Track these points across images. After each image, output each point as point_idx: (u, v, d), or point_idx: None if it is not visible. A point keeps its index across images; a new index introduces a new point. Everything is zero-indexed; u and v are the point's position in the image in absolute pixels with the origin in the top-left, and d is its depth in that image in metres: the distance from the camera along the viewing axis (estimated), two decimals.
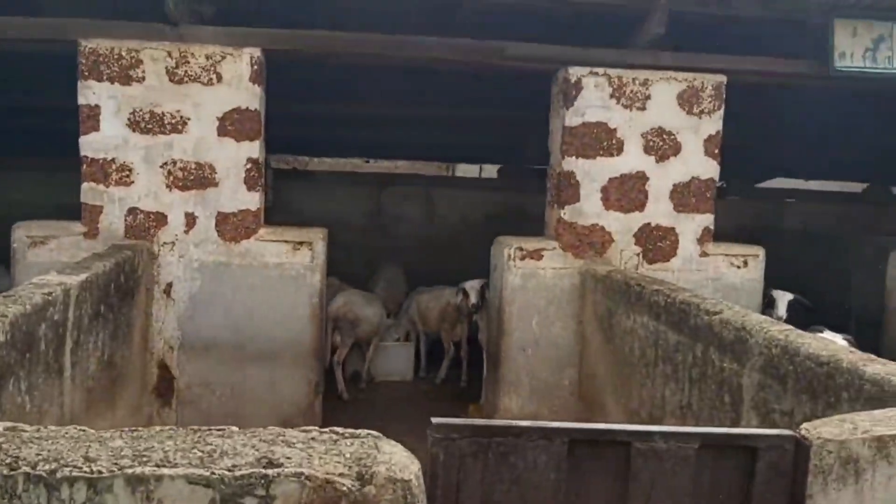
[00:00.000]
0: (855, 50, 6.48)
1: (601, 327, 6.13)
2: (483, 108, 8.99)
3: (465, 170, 14.55)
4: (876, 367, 3.11)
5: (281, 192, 10.76)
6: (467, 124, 9.99)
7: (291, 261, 6.24)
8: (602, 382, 6.11)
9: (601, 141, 6.51)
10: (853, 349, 3.94)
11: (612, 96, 6.50)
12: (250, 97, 6.11)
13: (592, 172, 6.53)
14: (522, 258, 6.52)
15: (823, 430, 2.41)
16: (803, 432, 2.43)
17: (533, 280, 6.53)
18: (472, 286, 7.66)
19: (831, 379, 3.29)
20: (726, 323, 4.18)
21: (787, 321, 6.99)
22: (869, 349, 7.08)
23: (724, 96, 6.60)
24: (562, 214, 6.59)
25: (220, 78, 6.07)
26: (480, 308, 7.69)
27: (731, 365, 4.09)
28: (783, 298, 7.07)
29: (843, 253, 9.39)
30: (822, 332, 5.99)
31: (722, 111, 6.62)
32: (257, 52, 6.09)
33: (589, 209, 6.57)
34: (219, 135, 6.10)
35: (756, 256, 6.77)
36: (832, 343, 3.76)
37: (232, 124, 6.10)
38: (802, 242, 10.44)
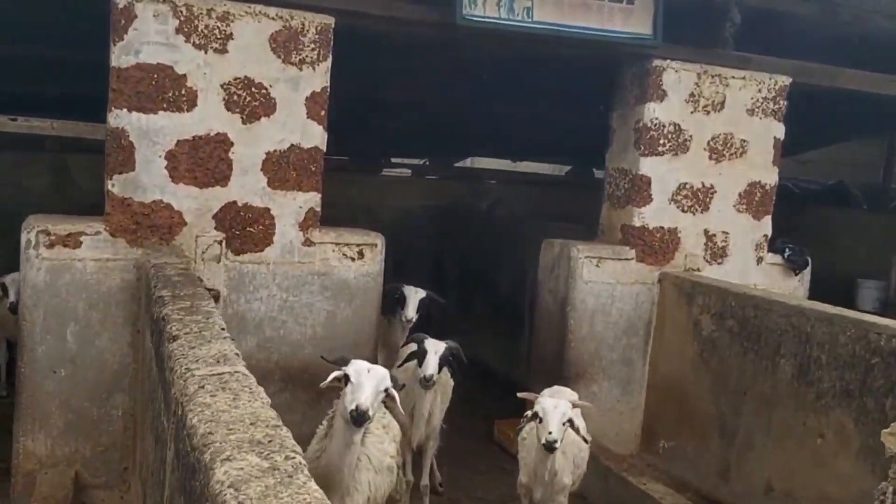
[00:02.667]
0: None
1: (143, 342, 4.54)
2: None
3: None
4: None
5: None
6: None
7: None
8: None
9: (165, 91, 4.88)
10: None
11: (178, 31, 4.87)
12: None
13: (152, 132, 4.89)
14: (51, 245, 4.75)
15: None
16: None
17: (67, 275, 4.78)
18: (14, 279, 5.74)
19: (194, 477, 1.89)
20: (171, 357, 2.71)
21: (420, 321, 5.97)
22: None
23: (332, 43, 5.21)
24: (110, 187, 4.90)
25: None
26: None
27: (167, 423, 2.63)
28: (414, 297, 5.88)
29: (518, 239, 8.53)
30: (423, 340, 4.83)
31: (329, 62, 5.23)
32: None
33: (149, 180, 4.93)
34: None
35: (374, 246, 5.50)
36: None
37: None
38: (486, 227, 9.56)
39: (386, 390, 3.55)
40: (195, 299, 3.51)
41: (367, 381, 3.45)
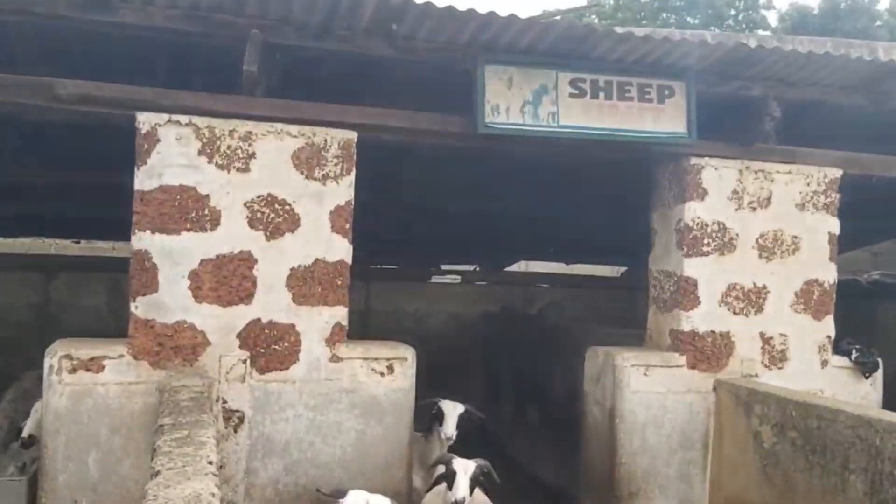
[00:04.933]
0: (511, 104, 5.29)
1: None
2: None
3: None
4: None
5: None
6: None
7: None
8: None
9: (188, 211, 4.90)
10: None
11: (201, 153, 4.93)
12: None
13: (175, 252, 4.88)
14: (73, 370, 4.70)
15: None
16: None
17: (89, 400, 4.71)
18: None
19: None
20: (145, 496, 2.52)
21: (459, 439, 5.65)
22: None
23: (356, 157, 5.19)
24: (133, 309, 4.87)
25: None
26: None
27: None
28: (453, 412, 5.57)
29: (571, 345, 8.18)
30: (451, 461, 4.52)
31: (353, 176, 5.20)
32: None
33: (172, 301, 4.88)
34: None
35: (404, 360, 5.28)
36: None
37: None
38: (539, 332, 9.25)
39: None
40: (194, 428, 3.35)
41: None
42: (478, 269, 11.35)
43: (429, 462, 5.71)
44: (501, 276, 11.34)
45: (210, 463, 2.85)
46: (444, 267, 11.11)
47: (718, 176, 5.89)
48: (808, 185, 6.11)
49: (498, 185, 7.91)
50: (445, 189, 8.08)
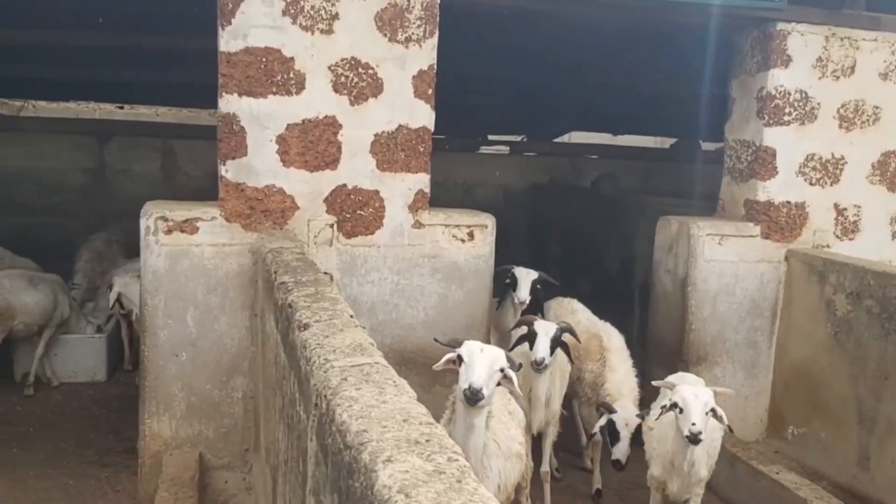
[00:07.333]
0: None
1: (262, 326, 4.55)
2: None
3: None
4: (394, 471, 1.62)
5: None
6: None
7: None
8: (259, 403, 4.55)
9: (273, 74, 4.84)
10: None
11: (285, 13, 4.82)
12: None
13: (262, 116, 4.87)
14: (169, 231, 4.80)
15: None
16: None
17: (185, 261, 4.84)
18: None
19: (351, 478, 1.79)
20: (304, 346, 2.64)
21: (531, 304, 5.80)
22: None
23: (439, 18, 5.06)
24: (224, 172, 4.90)
25: None
26: None
27: (304, 414, 2.57)
28: (526, 278, 5.71)
29: (627, 216, 8.23)
30: (533, 322, 4.65)
31: (436, 39, 5.08)
32: None
33: (261, 165, 4.91)
34: None
35: (484, 227, 5.35)
36: None
37: None
38: (591, 204, 9.27)
39: (501, 370, 3.41)
40: (318, 285, 3.45)
41: (480, 360, 3.32)
42: (524, 139, 11.25)
43: (503, 326, 5.90)
44: (550, 147, 11.24)
45: (351, 316, 2.96)
46: (491, 137, 11.02)
47: (804, 42, 5.73)
48: (893, 53, 5.93)
49: (557, 55, 7.74)
50: (496, 56, 7.91)
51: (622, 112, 10.39)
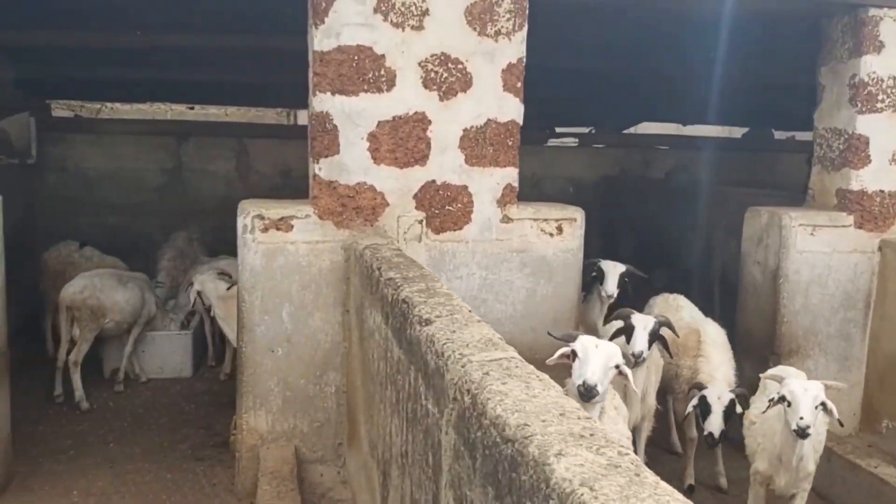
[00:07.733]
0: None
1: (358, 322, 4.62)
2: None
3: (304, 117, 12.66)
4: (569, 464, 1.64)
5: (49, 147, 8.82)
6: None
7: None
8: (355, 397, 4.62)
9: (365, 72, 4.90)
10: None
11: (376, 10, 4.87)
12: None
13: (354, 114, 4.92)
14: (265, 229, 4.90)
15: None
16: None
17: (281, 258, 4.93)
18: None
19: (515, 471, 1.81)
20: (432, 342, 2.67)
21: (619, 297, 5.77)
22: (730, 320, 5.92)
23: (528, 12, 5.05)
24: (317, 171, 4.98)
25: None
26: None
27: (434, 408, 2.60)
28: (614, 271, 5.70)
29: (705, 208, 8.11)
30: (630, 315, 4.62)
31: (525, 31, 5.08)
32: None
33: (352, 163, 4.98)
34: None
35: (573, 220, 5.33)
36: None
37: None
38: (664, 196, 9.15)
39: (616, 367, 3.41)
40: (427, 281, 3.48)
41: (595, 356, 3.33)
42: (593, 131, 11.16)
43: (588, 320, 5.88)
44: (619, 139, 11.13)
45: (470, 311, 2.98)
46: (559, 130, 10.96)
47: None
48: None
49: (631, 45, 7.66)
50: (568, 48, 7.84)
51: (692, 101, 10.21)
